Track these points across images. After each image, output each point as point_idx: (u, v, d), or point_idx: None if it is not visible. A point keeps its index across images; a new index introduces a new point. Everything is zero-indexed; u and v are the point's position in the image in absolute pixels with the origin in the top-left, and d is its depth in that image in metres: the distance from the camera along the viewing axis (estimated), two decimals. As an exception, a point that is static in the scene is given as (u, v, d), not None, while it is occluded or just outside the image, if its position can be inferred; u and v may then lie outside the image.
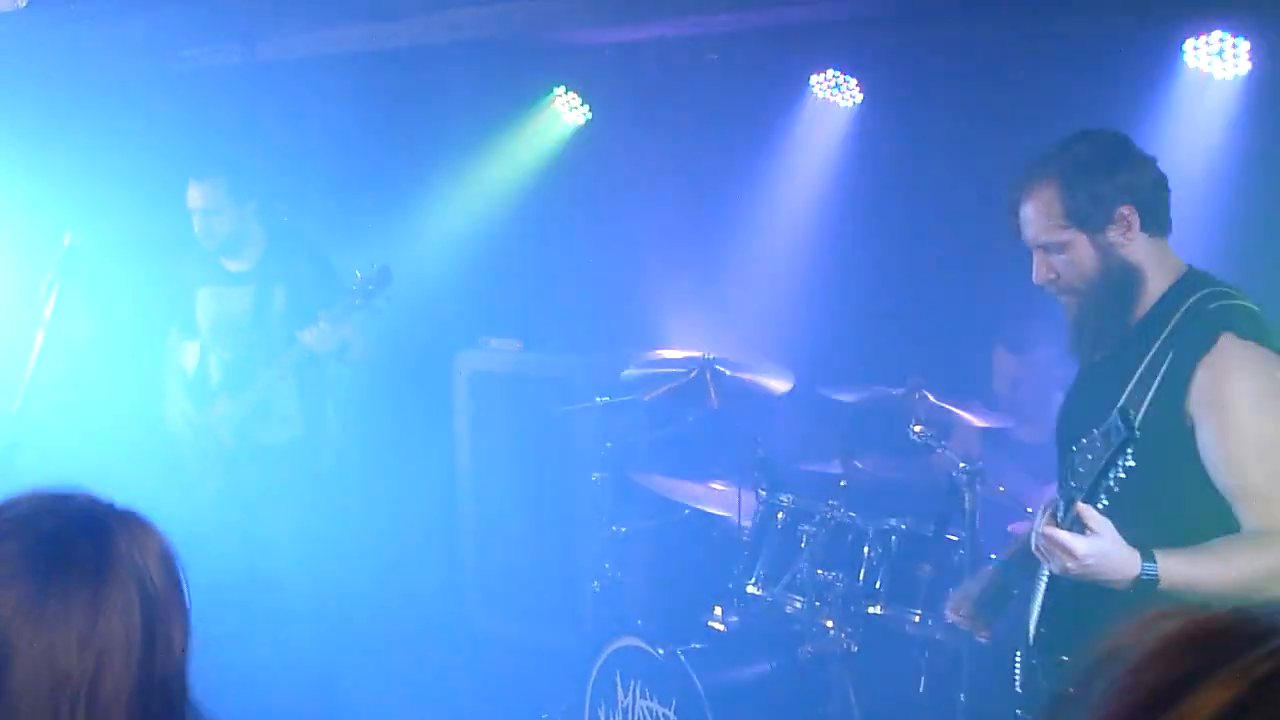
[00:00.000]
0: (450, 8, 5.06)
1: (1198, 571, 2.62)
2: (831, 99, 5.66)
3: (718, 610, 4.76)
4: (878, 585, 4.42)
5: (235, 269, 5.29)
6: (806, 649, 4.44)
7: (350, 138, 5.78)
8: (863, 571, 4.46)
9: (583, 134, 6.22)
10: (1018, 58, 5.00)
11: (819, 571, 4.47)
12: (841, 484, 4.59)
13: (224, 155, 5.28)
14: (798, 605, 4.52)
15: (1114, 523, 2.63)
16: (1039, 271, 3.00)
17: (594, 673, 4.77)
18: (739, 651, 4.69)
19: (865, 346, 5.47)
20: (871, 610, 4.40)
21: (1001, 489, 4.10)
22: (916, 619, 4.33)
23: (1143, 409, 2.79)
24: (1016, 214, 3.03)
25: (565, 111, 6.23)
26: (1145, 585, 2.59)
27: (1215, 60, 4.70)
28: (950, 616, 3.50)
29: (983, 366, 4.98)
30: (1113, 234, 2.89)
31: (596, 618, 5.20)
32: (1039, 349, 4.78)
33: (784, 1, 4.44)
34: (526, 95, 6.26)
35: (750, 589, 4.66)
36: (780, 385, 4.99)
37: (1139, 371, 2.84)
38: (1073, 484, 2.66)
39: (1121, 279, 2.92)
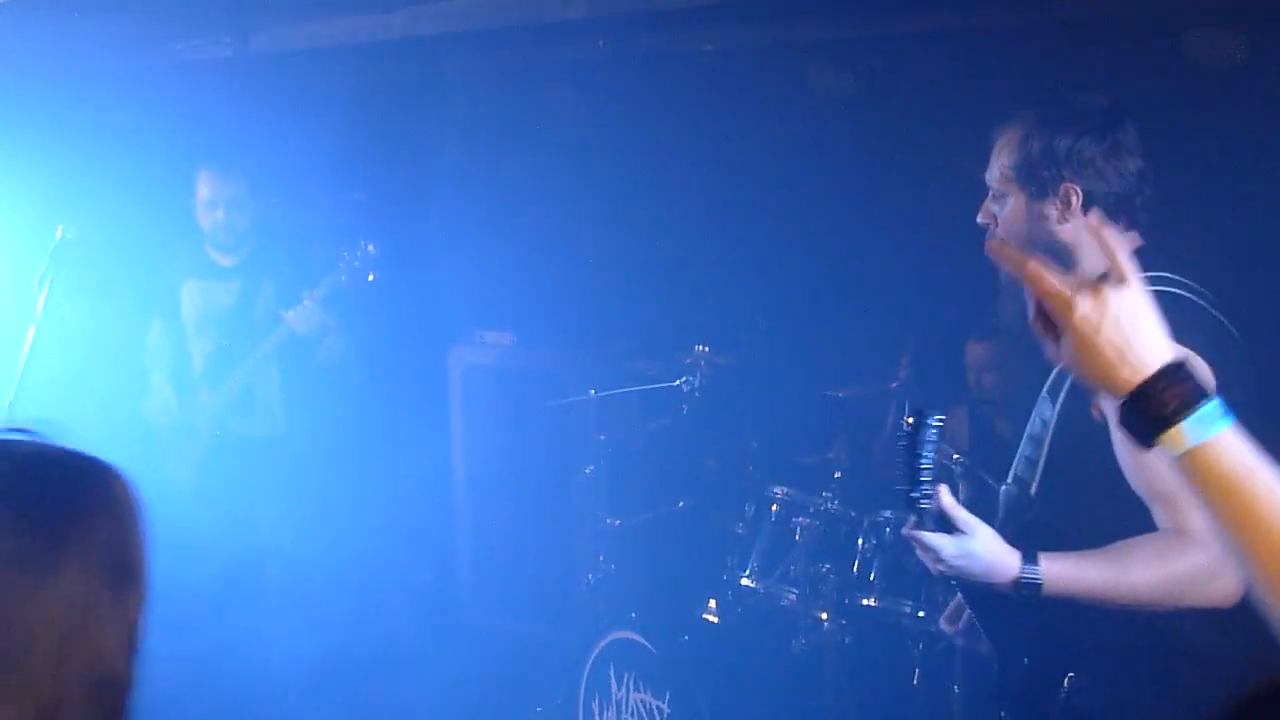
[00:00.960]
0: (442, 0, 5.05)
1: (1087, 576, 2.48)
2: (826, 91, 5.65)
3: (712, 603, 4.77)
4: (872, 577, 4.43)
5: (225, 263, 5.30)
6: (801, 641, 4.45)
7: (342, 130, 5.77)
8: (857, 564, 4.47)
9: (575, 127, 6.20)
10: (1008, 57, 4.99)
11: (813, 564, 4.47)
12: (835, 476, 4.60)
13: (225, 147, 5.30)
14: (792, 598, 4.53)
15: (1026, 522, 2.56)
16: (982, 212, 2.89)
17: (588, 666, 4.78)
18: (733, 644, 4.69)
19: (859, 339, 5.46)
20: (866, 603, 4.41)
21: (992, 481, 4.09)
22: (910, 611, 4.33)
23: (1059, 400, 2.70)
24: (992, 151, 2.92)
25: (557, 104, 6.21)
26: (1027, 588, 2.48)
27: (1209, 54, 4.69)
28: (946, 628, 3.30)
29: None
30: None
31: (590, 611, 5.20)
32: (1002, 339, 4.75)
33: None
34: (520, 88, 6.25)
35: (744, 581, 4.67)
36: (767, 376, 5.00)
37: (1057, 367, 2.68)
38: (922, 479, 2.54)
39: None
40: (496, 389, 6.08)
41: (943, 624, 3.25)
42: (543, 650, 5.60)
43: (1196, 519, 2.34)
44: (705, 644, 4.63)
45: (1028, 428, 2.70)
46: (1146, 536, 2.51)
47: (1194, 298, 2.62)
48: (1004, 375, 4.75)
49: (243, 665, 4.81)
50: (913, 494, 2.50)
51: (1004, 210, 2.81)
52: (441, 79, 6.25)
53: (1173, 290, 2.59)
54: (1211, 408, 1.58)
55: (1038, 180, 2.75)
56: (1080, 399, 2.63)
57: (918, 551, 2.58)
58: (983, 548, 2.50)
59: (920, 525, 2.54)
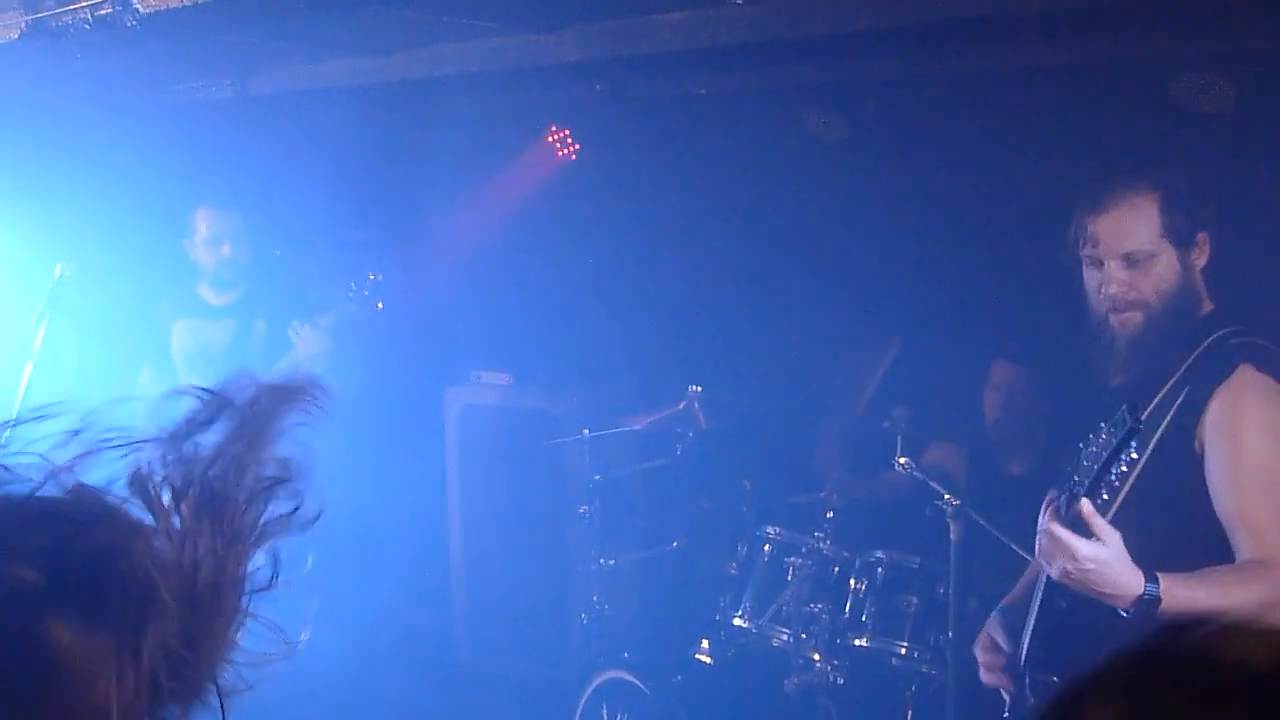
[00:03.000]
0: (440, 43, 5.10)
1: (1197, 595, 2.58)
2: (819, 132, 5.70)
3: (704, 643, 4.77)
4: (864, 618, 4.43)
5: (218, 302, 5.32)
6: (793, 681, 4.45)
7: (339, 172, 5.81)
8: (849, 604, 4.47)
9: (573, 169, 6.25)
10: (1002, 92, 5.04)
11: (805, 604, 4.48)
12: (828, 516, 4.61)
13: (224, 186, 5.34)
14: (784, 638, 4.53)
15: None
16: (1115, 282, 2.97)
17: (581, 705, 4.77)
18: (726, 684, 4.69)
19: (851, 380, 5.49)
20: (858, 643, 4.41)
21: (984, 522, 4.11)
22: (903, 651, 4.34)
23: (1158, 433, 2.82)
24: (1091, 224, 3.02)
25: (555, 146, 6.26)
26: (1146, 605, 2.56)
27: (1198, 97, 4.75)
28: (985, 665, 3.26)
29: (968, 398, 5.00)
30: (1193, 256, 2.96)
31: (584, 650, 5.20)
32: (1028, 374, 4.79)
33: (770, 35, 4.46)
34: (516, 130, 6.30)
35: (737, 621, 4.67)
36: (760, 417, 5.02)
37: (1158, 397, 2.87)
38: (1075, 478, 2.63)
39: (1190, 300, 2.96)
40: (492, 428, 6.10)
41: (977, 650, 3.24)
42: (536, 689, 5.60)
43: (1277, 548, 2.57)
44: (698, 684, 4.63)
45: (1104, 454, 2.67)
46: (1242, 562, 2.66)
47: (1272, 346, 2.86)
48: (1019, 410, 4.77)
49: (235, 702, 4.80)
50: (1088, 493, 2.55)
51: (1150, 269, 2.94)
52: (438, 122, 6.30)
53: (1263, 344, 2.84)
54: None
55: (1188, 235, 2.94)
56: (1182, 432, 2.78)
57: (1047, 548, 2.63)
58: (1116, 558, 2.57)
59: (1060, 523, 2.60)
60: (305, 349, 5.11)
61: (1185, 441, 2.79)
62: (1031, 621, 2.95)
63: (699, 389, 4.98)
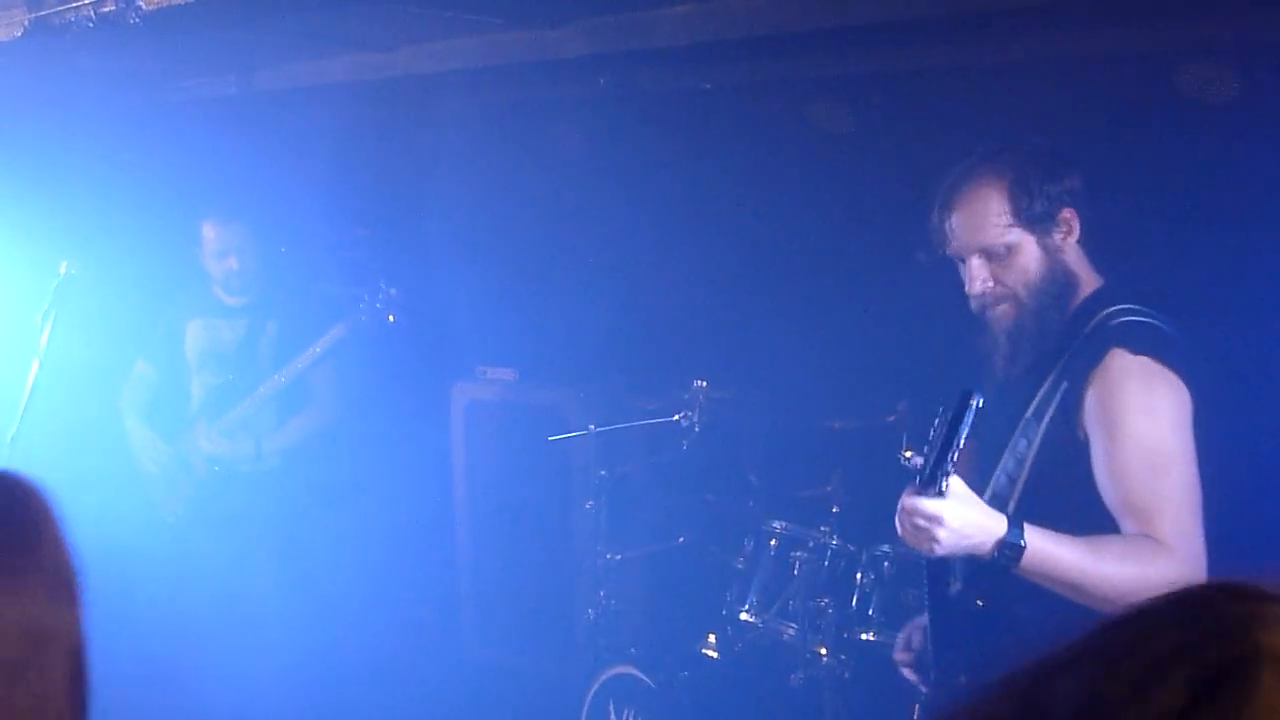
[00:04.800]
0: (444, 38, 5.10)
1: (1064, 552, 2.56)
2: (824, 127, 5.69)
3: (711, 638, 4.77)
4: (870, 612, 4.43)
5: (232, 303, 5.33)
6: (799, 676, 4.44)
7: (345, 168, 5.82)
8: (855, 598, 4.46)
9: (577, 163, 6.24)
10: (1007, 85, 5.02)
11: (812, 598, 4.47)
12: (834, 510, 4.60)
13: (227, 187, 5.35)
14: (791, 632, 4.53)
15: None
16: (978, 279, 2.91)
17: (588, 701, 4.77)
18: (732, 679, 4.69)
19: (857, 372, 5.48)
20: (865, 637, 4.40)
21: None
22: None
23: (1042, 428, 2.79)
24: (944, 223, 2.96)
25: (558, 141, 6.26)
26: (1010, 549, 2.55)
27: (1203, 88, 4.74)
28: (899, 658, 3.32)
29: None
30: (1057, 237, 2.86)
31: (591, 645, 5.19)
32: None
33: (775, 29, 4.46)
34: (520, 125, 6.30)
35: (743, 616, 4.67)
36: (769, 411, 5.02)
37: (1044, 388, 2.83)
38: (919, 464, 2.64)
39: (1063, 284, 2.87)
40: (498, 424, 6.10)
41: (896, 656, 3.27)
42: (543, 685, 5.60)
43: (1165, 530, 2.54)
44: (704, 679, 4.63)
45: (1009, 448, 2.80)
46: (1123, 535, 2.63)
47: (1158, 323, 2.79)
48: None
49: (238, 700, 4.82)
50: (939, 471, 2.56)
51: (1012, 260, 2.87)
52: (442, 117, 6.30)
53: (1142, 320, 2.77)
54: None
55: (1046, 216, 2.85)
56: (1065, 422, 2.74)
57: (913, 523, 2.61)
58: (977, 512, 2.57)
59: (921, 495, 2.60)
60: (309, 371, 5.15)
61: (1070, 432, 2.75)
62: (926, 615, 2.94)
63: (704, 384, 4.97)
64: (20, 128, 5.58)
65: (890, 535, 4.43)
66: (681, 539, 5.20)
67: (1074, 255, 2.89)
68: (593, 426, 5.29)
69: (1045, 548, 2.56)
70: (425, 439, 6.23)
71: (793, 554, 4.62)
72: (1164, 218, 4.34)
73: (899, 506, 2.64)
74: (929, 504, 2.56)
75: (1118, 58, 4.75)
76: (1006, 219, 2.85)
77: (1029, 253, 2.86)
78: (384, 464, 6.06)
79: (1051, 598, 2.64)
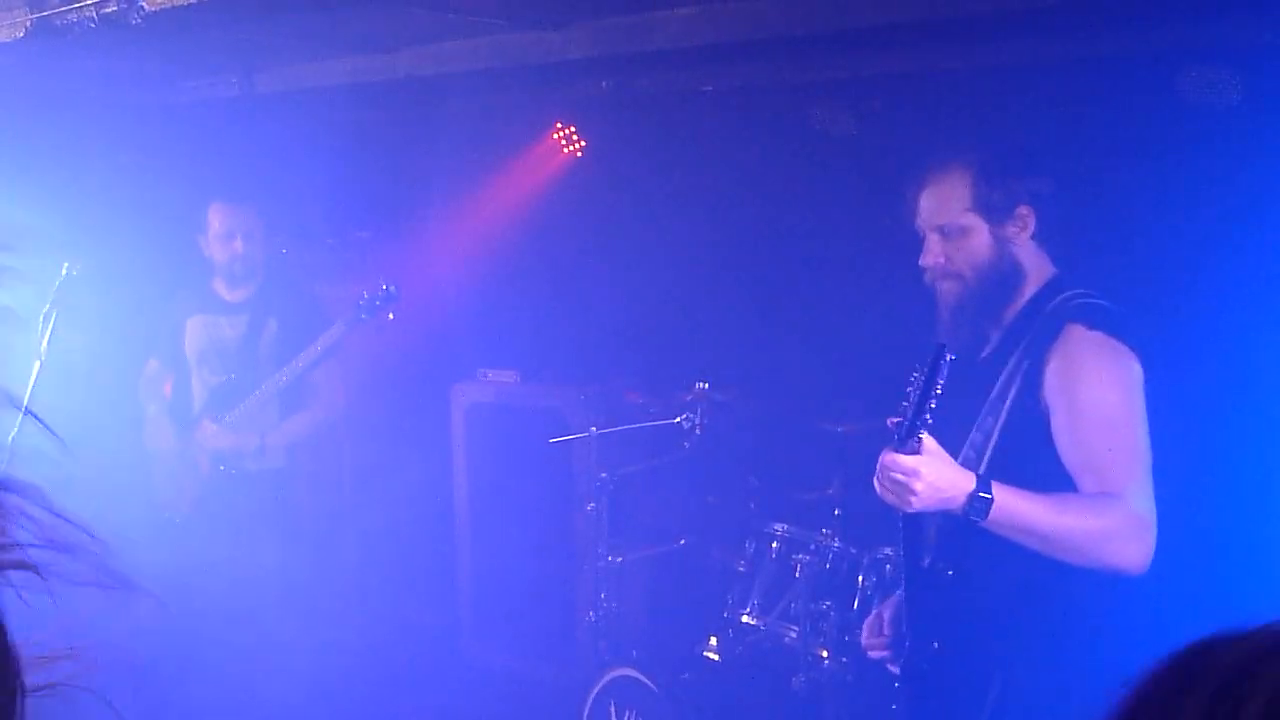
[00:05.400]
0: (445, 40, 5.10)
1: (1032, 508, 2.73)
2: (825, 129, 5.69)
3: (713, 640, 4.76)
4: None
5: (232, 298, 5.33)
6: (801, 679, 4.44)
7: (346, 170, 5.81)
8: (857, 601, 4.46)
9: (579, 167, 6.25)
10: (1007, 87, 5.03)
11: (814, 601, 4.47)
12: (836, 513, 4.60)
13: (231, 183, 5.35)
14: (792, 635, 4.52)
15: None
16: (930, 253, 3.14)
17: (589, 703, 4.77)
18: (734, 682, 4.68)
19: (859, 375, 5.47)
20: (866, 640, 4.40)
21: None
22: (911, 648, 4.32)
23: (1007, 405, 2.98)
24: (915, 198, 3.21)
25: (561, 144, 6.26)
26: (979, 503, 2.71)
27: (1204, 92, 4.75)
28: (866, 640, 3.43)
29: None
30: (1010, 229, 3.07)
31: (592, 648, 5.19)
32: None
33: (776, 32, 4.46)
34: (523, 127, 6.30)
35: (745, 619, 4.66)
36: (769, 413, 5.02)
37: (1009, 370, 3.01)
38: (898, 422, 2.79)
39: (1007, 273, 3.08)
40: (499, 426, 6.10)
41: (864, 638, 3.40)
42: (544, 688, 5.59)
43: (1121, 485, 2.75)
44: (706, 681, 4.62)
45: (976, 427, 3.01)
46: (1086, 493, 2.82)
47: (1109, 305, 3.01)
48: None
49: (236, 702, 4.81)
50: (917, 422, 2.73)
51: (963, 242, 3.09)
52: (443, 119, 6.30)
53: (1096, 302, 2.99)
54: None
55: (1001, 208, 3.07)
56: (1028, 396, 2.94)
57: (891, 479, 2.78)
58: (949, 468, 2.75)
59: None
60: (310, 369, 5.14)
61: (1033, 407, 2.92)
62: (903, 580, 3.10)
63: (706, 385, 4.97)
64: (22, 128, 5.58)
65: (891, 538, 4.44)
66: (683, 541, 5.19)
67: (1026, 249, 3.09)
68: (594, 429, 5.29)
69: (1011, 501, 2.72)
70: (426, 441, 6.23)
71: (794, 557, 4.62)
72: (1160, 215, 4.35)
73: (878, 464, 2.81)
74: (905, 460, 2.73)
75: (1116, 60, 4.75)
76: (965, 203, 3.09)
77: (980, 238, 3.09)
78: (385, 466, 6.06)
79: (1017, 565, 2.84)
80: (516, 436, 6.01)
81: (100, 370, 5.72)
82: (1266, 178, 4.17)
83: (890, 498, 2.82)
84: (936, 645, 3.02)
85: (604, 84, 5.76)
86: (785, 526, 4.68)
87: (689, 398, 5.00)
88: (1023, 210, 3.06)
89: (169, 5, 3.77)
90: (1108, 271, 3.40)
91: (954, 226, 3.09)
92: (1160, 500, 2.82)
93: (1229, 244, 4.14)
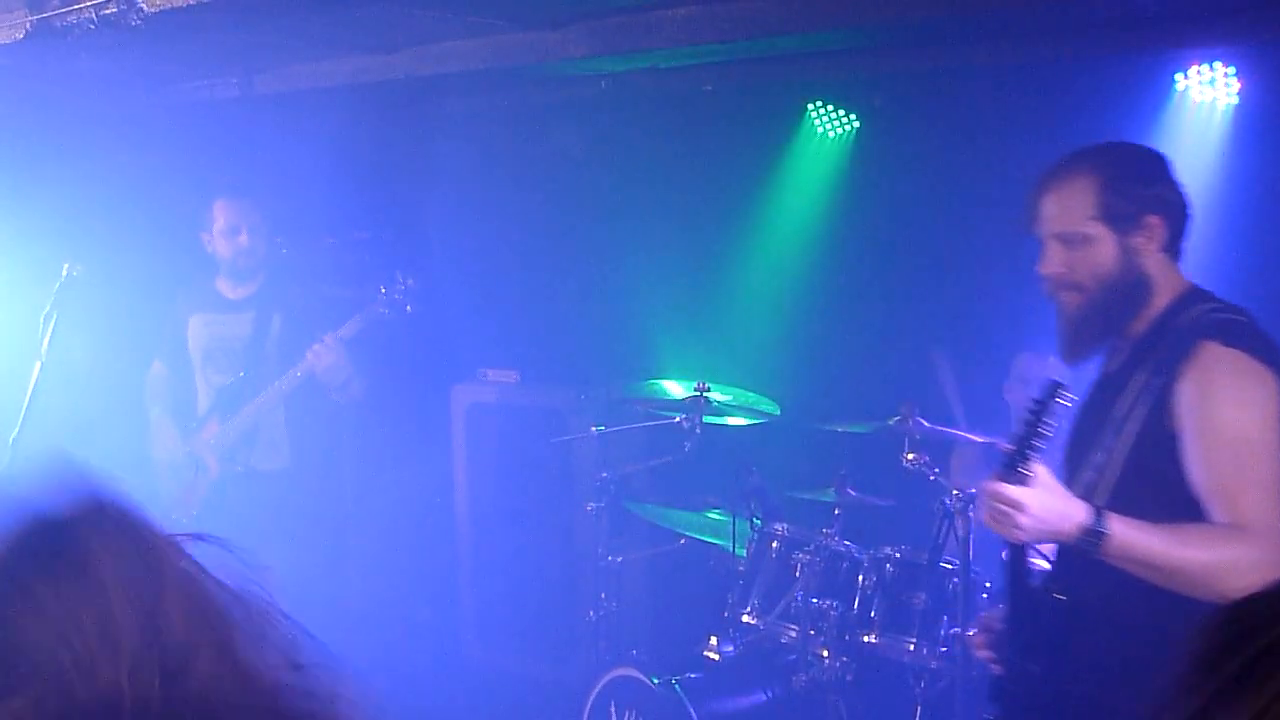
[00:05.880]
0: (444, 40, 5.10)
1: (1150, 540, 2.59)
2: (825, 129, 5.71)
3: (713, 640, 4.75)
4: (872, 614, 4.42)
5: (235, 296, 5.32)
6: (801, 678, 4.43)
7: (346, 170, 5.81)
8: (857, 600, 4.45)
9: (578, 165, 6.25)
10: (1010, 86, 5.03)
11: (814, 600, 4.46)
12: (836, 512, 4.59)
13: (231, 182, 5.35)
14: (793, 634, 4.52)
15: None
16: (1051, 262, 2.96)
17: (589, 703, 4.77)
18: (734, 681, 4.68)
19: (859, 375, 5.48)
20: (866, 639, 4.39)
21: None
22: (911, 648, 4.32)
23: (1138, 424, 2.82)
24: (1036, 204, 3.00)
25: (561, 143, 6.26)
26: (1093, 535, 2.58)
27: (1206, 89, 4.76)
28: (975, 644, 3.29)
29: (977, 391, 4.99)
30: (1137, 240, 2.90)
31: (592, 648, 5.19)
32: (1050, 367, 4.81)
33: (776, 31, 4.46)
34: (522, 127, 6.30)
35: (745, 618, 4.66)
36: (770, 413, 5.02)
37: (1136, 387, 2.86)
38: (1011, 448, 2.66)
39: (1133, 286, 2.92)
40: (499, 426, 6.11)
41: (973, 635, 3.27)
42: (544, 687, 5.60)
43: (1250, 515, 2.59)
44: (706, 681, 4.62)
45: (1097, 445, 2.82)
46: (1203, 523, 2.66)
47: (1248, 320, 2.85)
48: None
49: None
50: (1022, 460, 2.59)
51: (1086, 251, 2.91)
52: (443, 119, 6.31)
53: (1233, 317, 2.83)
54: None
55: (1128, 217, 2.89)
56: (1157, 416, 2.78)
57: (995, 508, 2.63)
58: (1060, 498, 2.61)
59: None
60: (321, 365, 5.11)
61: (1161, 428, 2.78)
62: (1006, 601, 2.95)
63: (706, 386, 4.97)
64: (22, 129, 5.58)
65: (892, 537, 4.45)
66: (683, 541, 5.19)
67: (1154, 261, 2.92)
68: (594, 429, 5.29)
69: (1128, 534, 2.59)
70: (427, 441, 6.24)
71: (795, 556, 4.61)
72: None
73: (981, 491, 2.69)
74: (1010, 490, 2.59)
75: (1116, 60, 4.75)
76: (1090, 211, 2.91)
77: (1105, 249, 2.91)
78: (385, 466, 6.06)
79: (1134, 594, 2.68)
80: (517, 436, 6.01)
81: (101, 371, 5.72)
82: None
83: (994, 526, 2.68)
84: (1037, 669, 2.86)
85: (603, 83, 5.76)
86: (786, 526, 4.68)
87: (689, 398, 5.00)
88: (1152, 220, 2.89)
89: (168, 6, 3.77)
90: (1242, 285, 3.27)
91: (1076, 235, 2.91)
92: None
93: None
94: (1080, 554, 2.62)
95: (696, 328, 5.89)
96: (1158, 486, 2.77)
